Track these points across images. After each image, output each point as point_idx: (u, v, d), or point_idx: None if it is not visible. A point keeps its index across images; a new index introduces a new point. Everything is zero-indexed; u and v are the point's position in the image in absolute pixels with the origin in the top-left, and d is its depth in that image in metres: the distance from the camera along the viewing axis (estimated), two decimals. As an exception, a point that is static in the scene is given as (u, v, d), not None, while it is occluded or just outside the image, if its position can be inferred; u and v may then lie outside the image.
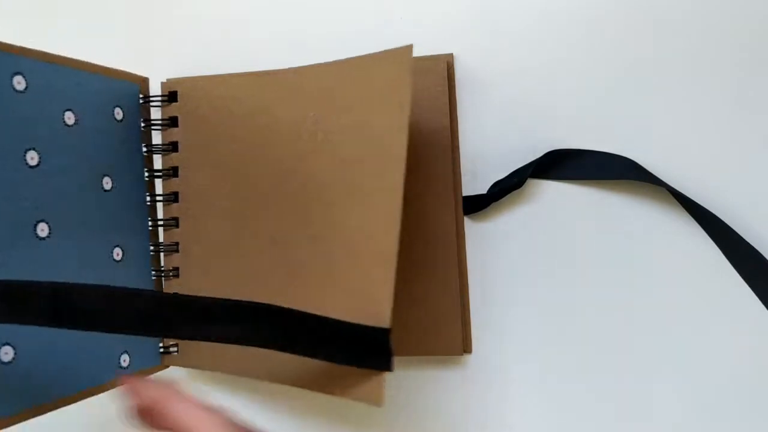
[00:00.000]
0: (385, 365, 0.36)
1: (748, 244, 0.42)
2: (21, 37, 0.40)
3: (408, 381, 0.47)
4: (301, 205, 0.43)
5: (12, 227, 0.38)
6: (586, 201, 0.45)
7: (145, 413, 0.34)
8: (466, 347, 0.45)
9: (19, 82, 0.39)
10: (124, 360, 0.44)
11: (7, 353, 0.37)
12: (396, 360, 0.37)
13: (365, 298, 0.38)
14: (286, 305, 0.36)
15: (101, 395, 0.42)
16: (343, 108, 0.41)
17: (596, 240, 0.45)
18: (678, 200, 0.43)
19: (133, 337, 0.43)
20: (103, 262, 0.43)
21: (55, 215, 0.40)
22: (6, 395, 0.37)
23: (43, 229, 0.40)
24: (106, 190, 0.43)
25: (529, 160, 0.45)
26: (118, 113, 0.44)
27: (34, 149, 0.39)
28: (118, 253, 0.44)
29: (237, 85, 0.46)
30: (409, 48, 0.38)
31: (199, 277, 0.46)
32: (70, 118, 0.41)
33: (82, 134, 0.42)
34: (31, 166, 0.39)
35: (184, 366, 0.47)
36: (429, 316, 0.45)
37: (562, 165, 0.45)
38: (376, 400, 0.36)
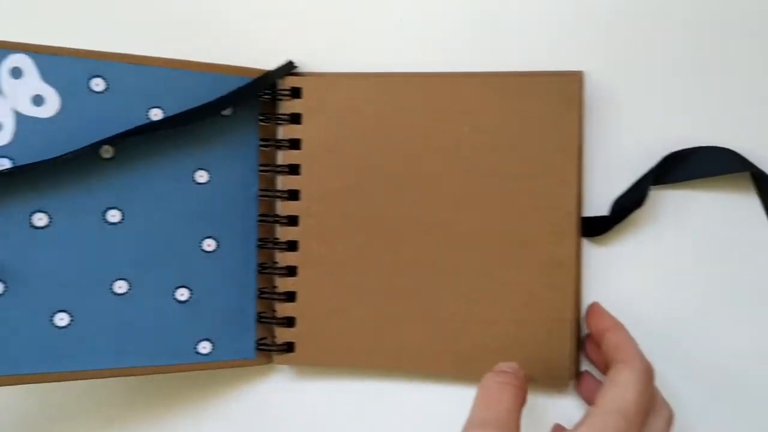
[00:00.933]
0: None
1: None
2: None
3: None
4: (450, 215, 0.44)
5: (79, 213, 0.41)
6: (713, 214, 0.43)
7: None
8: (570, 376, 0.43)
9: (97, 84, 0.41)
10: (204, 347, 0.44)
11: (62, 319, 0.41)
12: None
13: (534, 307, 0.43)
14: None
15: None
16: (500, 124, 0.43)
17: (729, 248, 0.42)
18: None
19: (218, 325, 0.44)
20: (188, 251, 0.44)
21: (130, 204, 0.42)
22: (59, 355, 0.41)
23: (114, 216, 0.42)
24: (199, 183, 0.44)
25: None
26: (226, 109, 0.44)
27: (109, 144, 0.41)
28: (209, 244, 0.44)
29: (371, 86, 0.45)
30: (579, 74, 0.43)
31: (321, 277, 0.45)
32: (156, 115, 0.43)
33: (169, 130, 0.43)
34: (105, 159, 0.42)
35: (304, 364, 0.46)
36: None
37: (679, 167, 0.43)
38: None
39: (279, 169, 0.46)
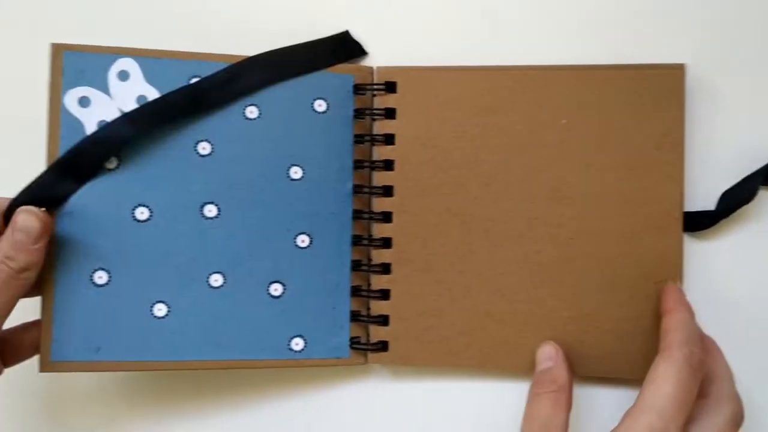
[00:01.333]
0: None
1: None
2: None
3: (604, 406, 0.44)
4: (550, 210, 0.44)
5: (178, 207, 0.43)
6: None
7: None
8: None
9: None
10: (297, 343, 0.44)
11: (160, 309, 0.42)
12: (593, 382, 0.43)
13: (642, 305, 0.42)
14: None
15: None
16: (601, 118, 0.43)
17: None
18: None
19: (311, 322, 0.44)
20: (282, 247, 0.44)
21: (225, 199, 0.43)
22: (157, 344, 0.42)
23: (211, 210, 0.43)
24: (293, 179, 0.44)
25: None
26: (320, 105, 0.44)
27: (206, 141, 0.43)
28: (303, 240, 0.44)
29: (467, 80, 0.44)
30: (681, 67, 0.42)
31: (416, 274, 0.44)
32: (252, 112, 0.43)
33: (265, 127, 0.44)
34: (202, 155, 0.43)
35: (398, 364, 0.45)
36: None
37: None
38: None
39: (373, 165, 0.45)
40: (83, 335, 0.41)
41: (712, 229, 0.43)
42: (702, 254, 0.44)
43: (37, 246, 0.38)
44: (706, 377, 0.37)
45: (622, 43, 0.45)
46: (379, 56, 0.46)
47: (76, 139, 0.41)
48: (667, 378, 0.35)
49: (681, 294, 0.41)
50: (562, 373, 0.40)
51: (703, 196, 0.44)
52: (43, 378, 0.41)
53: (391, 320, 0.44)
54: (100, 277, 0.42)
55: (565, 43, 0.46)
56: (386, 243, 0.44)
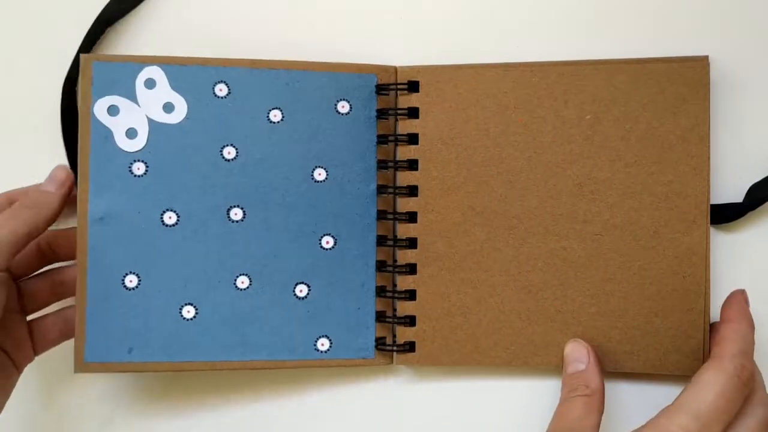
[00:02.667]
0: None
1: None
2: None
3: (638, 401, 0.44)
4: (576, 206, 0.43)
5: (204, 211, 0.44)
6: None
7: None
8: None
9: (221, 90, 0.44)
10: (322, 344, 0.44)
11: (189, 311, 0.43)
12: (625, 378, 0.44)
13: (665, 297, 0.42)
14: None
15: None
16: (626, 112, 0.43)
17: None
18: None
19: (337, 323, 0.44)
20: (307, 248, 0.44)
21: (251, 202, 0.44)
22: (186, 346, 0.43)
23: (236, 214, 0.44)
24: (317, 181, 0.44)
25: None
26: (344, 107, 0.45)
27: (231, 145, 0.44)
28: (328, 242, 0.44)
29: (490, 78, 0.44)
30: (705, 59, 0.42)
31: (442, 274, 0.44)
32: (276, 116, 0.44)
33: (289, 130, 0.44)
34: (227, 160, 0.44)
35: (426, 364, 0.45)
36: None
37: None
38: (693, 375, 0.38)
39: (397, 165, 0.45)
40: (116, 337, 0.42)
41: (740, 221, 0.43)
42: (729, 247, 0.44)
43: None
44: None
45: (646, 37, 0.45)
46: (404, 56, 0.46)
47: (105, 147, 0.43)
48: (712, 385, 0.34)
49: (745, 304, 0.40)
50: (594, 377, 0.40)
51: (730, 190, 0.43)
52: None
53: (418, 321, 0.44)
54: (131, 280, 0.43)
55: (588, 37, 0.45)
56: (412, 243, 0.44)
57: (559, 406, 0.39)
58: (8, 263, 0.39)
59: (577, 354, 0.41)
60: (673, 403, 0.35)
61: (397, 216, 0.45)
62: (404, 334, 0.44)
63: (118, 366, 0.42)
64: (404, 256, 0.45)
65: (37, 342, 0.43)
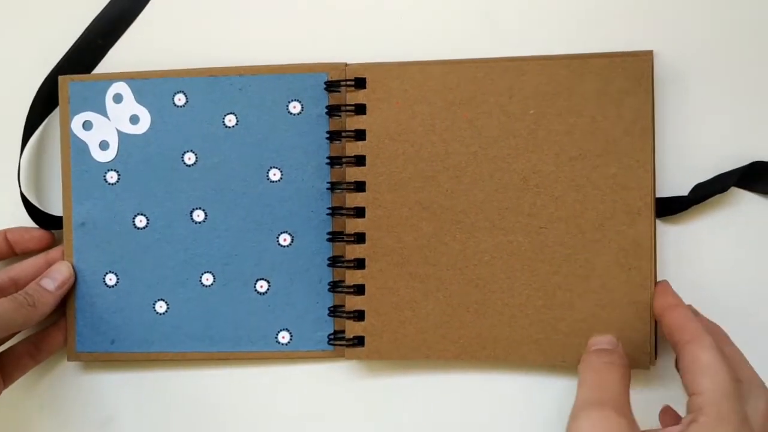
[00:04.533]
0: None
1: None
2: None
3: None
4: (522, 200, 0.43)
5: (170, 214, 0.47)
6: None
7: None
8: (651, 359, 0.42)
9: (179, 99, 0.46)
10: (283, 337, 0.46)
11: (161, 306, 0.47)
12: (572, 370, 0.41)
13: (612, 290, 0.42)
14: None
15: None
16: (570, 107, 0.43)
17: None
18: None
19: (296, 317, 0.46)
20: (266, 246, 0.47)
21: (211, 204, 0.46)
22: (160, 337, 0.47)
23: (199, 215, 0.46)
24: (273, 181, 0.46)
25: (727, 169, 0.43)
26: (295, 107, 0.46)
27: (191, 151, 0.46)
28: (285, 239, 0.46)
29: (436, 74, 0.44)
30: (649, 53, 0.42)
31: (390, 268, 0.45)
32: (230, 120, 0.46)
33: (243, 133, 0.46)
34: (188, 165, 0.46)
35: (374, 359, 0.45)
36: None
37: (767, 179, 0.43)
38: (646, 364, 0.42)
39: (346, 161, 0.46)
40: (100, 330, 0.47)
41: (686, 215, 0.43)
42: (675, 240, 0.44)
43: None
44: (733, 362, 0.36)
45: (591, 34, 0.45)
46: (355, 54, 0.46)
47: (83, 159, 0.47)
48: (716, 365, 0.34)
49: (673, 291, 0.41)
50: (623, 356, 0.37)
51: (677, 184, 0.44)
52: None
53: (367, 315, 0.45)
54: (111, 279, 0.47)
55: (534, 35, 0.45)
56: (360, 238, 0.45)
57: (595, 372, 0.36)
58: None
59: (606, 338, 0.38)
60: (701, 394, 0.33)
61: (347, 212, 0.46)
62: (353, 328, 0.45)
63: (103, 356, 0.47)
64: (353, 251, 0.45)
65: (7, 374, 0.45)
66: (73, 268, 0.47)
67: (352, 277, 0.45)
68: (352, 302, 0.45)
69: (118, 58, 0.49)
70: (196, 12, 0.48)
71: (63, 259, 0.47)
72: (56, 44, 0.49)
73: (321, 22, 0.48)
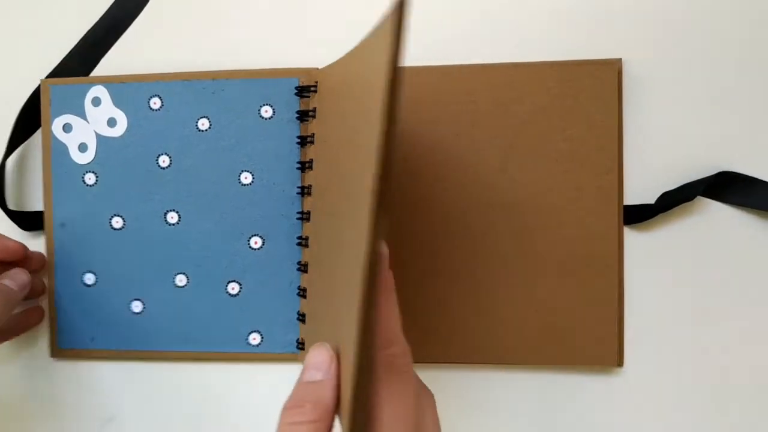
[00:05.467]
0: None
1: None
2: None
3: (557, 391, 0.45)
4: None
5: (145, 216, 0.48)
6: (754, 230, 0.44)
7: None
8: (619, 360, 0.44)
9: (155, 103, 0.47)
10: (254, 338, 0.47)
11: (137, 306, 0.48)
12: (547, 369, 0.45)
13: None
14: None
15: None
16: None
17: (760, 269, 0.44)
18: None
19: (266, 319, 0.47)
20: (237, 249, 0.47)
21: (185, 206, 0.47)
22: (137, 336, 0.48)
23: (173, 217, 0.47)
24: (244, 185, 0.46)
25: (694, 177, 0.43)
26: (267, 111, 0.46)
27: (165, 154, 0.47)
28: (256, 242, 0.47)
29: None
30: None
31: (320, 272, 0.43)
32: (204, 124, 0.46)
33: (216, 137, 0.47)
34: (162, 168, 0.47)
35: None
36: (585, 326, 0.43)
37: (733, 189, 0.43)
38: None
39: (306, 165, 0.46)
40: (80, 327, 0.49)
41: (653, 222, 0.44)
42: (643, 246, 0.44)
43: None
44: None
45: (561, 42, 0.44)
46: (332, 59, 0.46)
47: (63, 161, 0.48)
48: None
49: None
50: (327, 393, 0.31)
51: (644, 192, 0.44)
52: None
53: (307, 319, 0.45)
54: (89, 278, 0.48)
55: (501, 42, 0.45)
56: (306, 242, 0.45)
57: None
58: None
59: (318, 360, 0.32)
60: None
61: (305, 216, 0.46)
62: (301, 331, 0.46)
63: (84, 353, 0.49)
64: (304, 255, 0.46)
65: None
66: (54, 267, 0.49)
67: (303, 280, 0.46)
68: (302, 305, 0.46)
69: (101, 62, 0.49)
70: (175, 18, 0.49)
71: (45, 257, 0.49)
72: (53, 53, 0.50)
73: (297, 27, 0.47)
